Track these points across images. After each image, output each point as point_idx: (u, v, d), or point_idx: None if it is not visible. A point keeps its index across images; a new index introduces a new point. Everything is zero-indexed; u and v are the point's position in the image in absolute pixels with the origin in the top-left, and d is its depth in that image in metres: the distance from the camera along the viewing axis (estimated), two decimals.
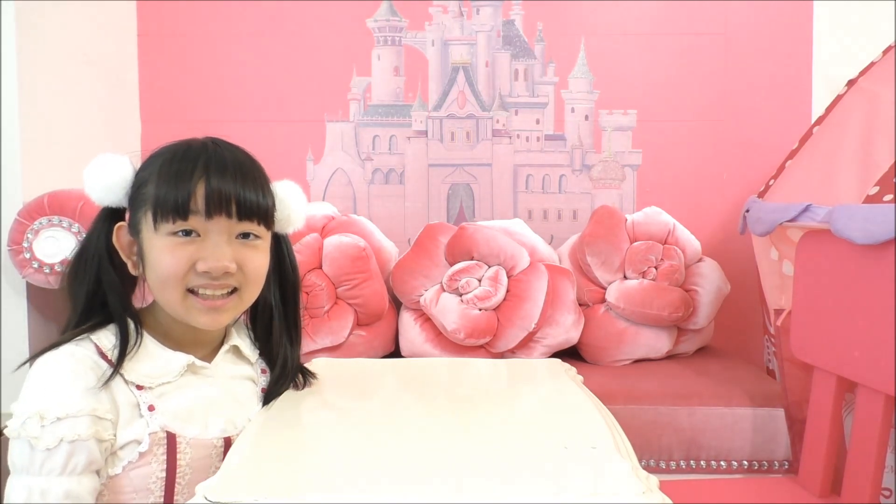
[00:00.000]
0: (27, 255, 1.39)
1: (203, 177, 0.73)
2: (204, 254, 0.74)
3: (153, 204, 0.73)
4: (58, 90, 1.56)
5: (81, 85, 1.66)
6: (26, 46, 1.44)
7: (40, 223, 1.40)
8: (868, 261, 1.07)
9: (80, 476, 0.69)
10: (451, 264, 1.65)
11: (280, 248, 0.87)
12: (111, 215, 0.79)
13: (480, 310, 1.59)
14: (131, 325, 0.77)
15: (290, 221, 0.85)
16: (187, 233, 0.74)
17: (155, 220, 0.74)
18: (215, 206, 0.73)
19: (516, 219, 1.82)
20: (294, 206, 0.85)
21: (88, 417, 0.69)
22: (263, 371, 0.87)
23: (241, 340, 0.86)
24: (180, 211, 0.72)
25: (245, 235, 0.77)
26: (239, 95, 1.94)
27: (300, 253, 1.56)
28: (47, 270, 1.40)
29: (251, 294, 0.80)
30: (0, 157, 1.40)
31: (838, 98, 1.41)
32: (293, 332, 0.89)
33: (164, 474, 0.74)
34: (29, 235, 1.39)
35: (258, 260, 0.79)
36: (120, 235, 0.78)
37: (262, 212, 0.77)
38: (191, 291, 0.75)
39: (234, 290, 0.77)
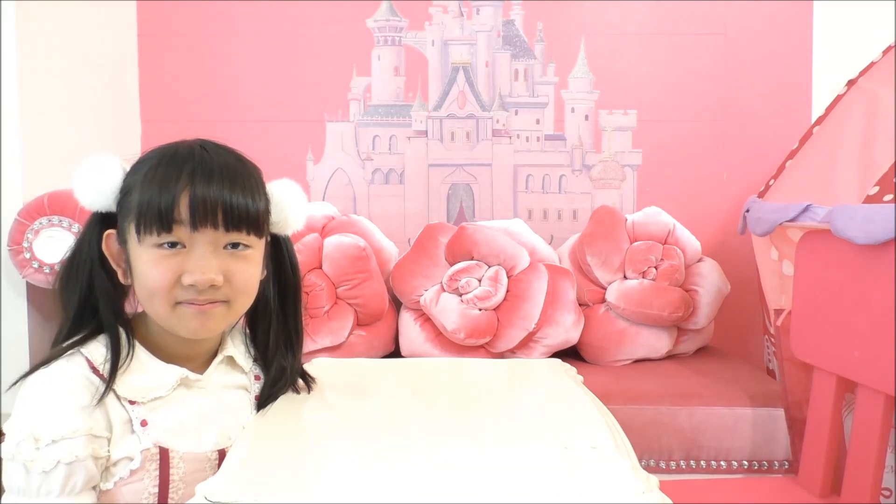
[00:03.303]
0: (27, 255, 1.39)
1: (188, 185, 0.69)
2: (189, 266, 0.70)
3: (136, 214, 0.70)
4: (58, 90, 1.56)
5: (81, 85, 1.66)
6: (26, 46, 1.44)
7: (40, 223, 1.40)
8: (868, 261, 1.07)
9: (78, 495, 0.67)
10: (451, 264, 1.65)
11: (280, 250, 0.83)
12: (103, 220, 0.76)
13: (480, 310, 1.59)
14: (123, 337, 0.74)
15: (287, 223, 0.81)
16: (172, 244, 0.70)
17: (138, 232, 0.70)
18: (200, 218, 0.69)
19: (516, 219, 1.82)
20: (292, 208, 0.80)
21: (85, 437, 0.67)
22: (257, 378, 0.84)
23: (236, 349, 0.83)
24: (164, 223, 0.69)
25: (234, 245, 0.73)
26: (239, 95, 1.94)
27: (300, 253, 1.55)
28: (47, 270, 1.40)
29: (241, 305, 0.76)
30: (0, 157, 1.40)
31: (838, 98, 1.41)
32: (293, 336, 0.85)
33: (156, 489, 0.72)
34: (29, 235, 1.39)
35: (247, 272, 0.75)
36: (109, 243, 0.75)
37: (251, 220, 0.73)
38: (179, 304, 0.72)
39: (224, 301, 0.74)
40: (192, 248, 0.71)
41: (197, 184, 0.70)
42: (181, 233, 0.70)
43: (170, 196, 0.69)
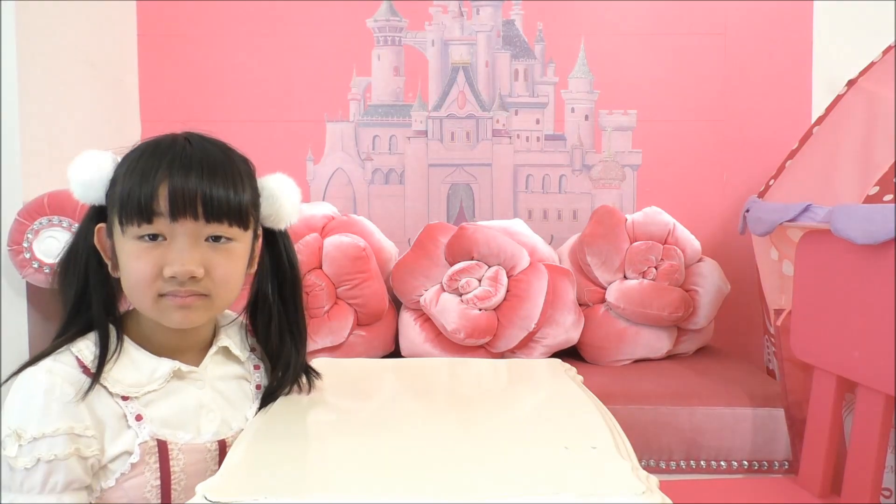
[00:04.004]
0: (27, 255, 1.39)
1: (166, 177, 0.70)
2: (170, 258, 0.71)
3: (118, 205, 0.71)
4: (58, 90, 1.56)
5: (81, 85, 1.66)
6: (26, 46, 1.43)
7: (40, 223, 1.40)
8: (868, 261, 1.07)
9: (60, 494, 0.68)
10: (451, 264, 1.65)
11: (276, 244, 0.84)
12: (97, 214, 0.77)
13: (480, 310, 1.59)
14: (112, 332, 0.75)
15: (280, 217, 0.81)
16: (153, 237, 0.71)
17: (121, 223, 0.71)
18: (179, 208, 0.70)
19: (516, 219, 1.82)
20: (284, 201, 0.81)
21: (66, 436, 0.68)
22: (256, 367, 0.85)
23: (231, 340, 0.83)
24: (144, 214, 0.70)
25: (216, 238, 0.73)
26: (239, 95, 1.94)
27: (300, 253, 1.55)
28: (47, 270, 1.40)
29: (222, 299, 0.76)
30: (0, 157, 1.40)
31: (838, 98, 1.41)
32: (295, 330, 0.85)
33: (158, 482, 0.72)
34: (29, 235, 1.39)
35: (228, 265, 0.74)
36: (100, 237, 0.76)
37: (232, 212, 0.73)
38: (162, 296, 0.73)
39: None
40: (173, 239, 0.71)
41: (175, 175, 0.70)
42: (161, 224, 0.71)
43: (149, 187, 0.70)
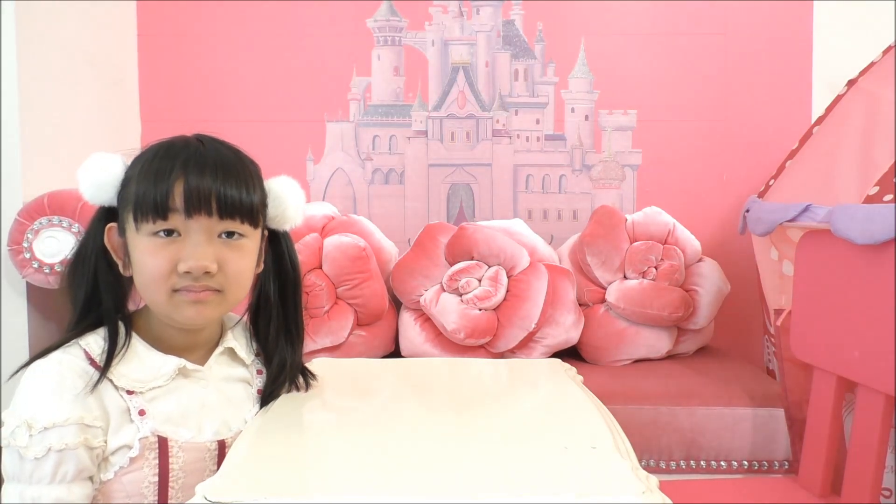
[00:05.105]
0: (27, 255, 1.39)
1: (182, 175, 0.72)
2: (184, 254, 0.72)
3: (133, 203, 0.73)
4: (58, 90, 1.56)
5: (81, 85, 1.66)
6: (26, 46, 1.43)
7: (40, 223, 1.40)
8: (868, 261, 1.07)
9: (70, 484, 0.69)
10: (451, 264, 1.65)
11: (279, 245, 0.85)
12: (106, 215, 0.78)
13: (480, 310, 1.59)
14: (121, 329, 0.76)
15: (285, 218, 0.83)
16: (168, 232, 0.73)
17: (136, 220, 0.73)
18: (194, 205, 0.72)
19: (516, 219, 1.82)
20: (290, 203, 0.83)
21: (76, 426, 0.69)
22: (259, 372, 0.86)
23: (237, 342, 0.85)
24: (159, 210, 0.72)
25: (229, 234, 0.75)
26: (239, 95, 1.94)
27: (300, 253, 1.55)
28: (47, 270, 1.40)
29: (234, 295, 0.78)
30: (0, 157, 1.40)
31: (838, 98, 1.41)
32: (293, 330, 0.87)
33: (156, 479, 0.73)
34: (29, 235, 1.39)
35: (241, 261, 0.77)
36: (111, 236, 0.77)
37: (245, 209, 0.75)
38: (176, 292, 0.74)
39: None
40: (187, 235, 0.73)
41: (191, 173, 0.72)
42: (176, 220, 0.72)
43: (165, 185, 0.72)
